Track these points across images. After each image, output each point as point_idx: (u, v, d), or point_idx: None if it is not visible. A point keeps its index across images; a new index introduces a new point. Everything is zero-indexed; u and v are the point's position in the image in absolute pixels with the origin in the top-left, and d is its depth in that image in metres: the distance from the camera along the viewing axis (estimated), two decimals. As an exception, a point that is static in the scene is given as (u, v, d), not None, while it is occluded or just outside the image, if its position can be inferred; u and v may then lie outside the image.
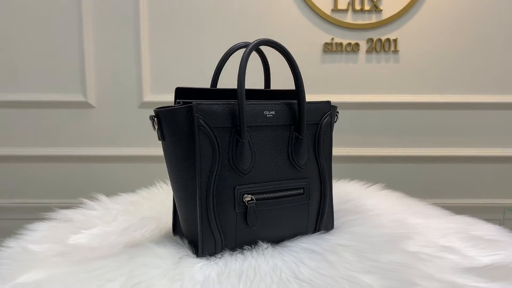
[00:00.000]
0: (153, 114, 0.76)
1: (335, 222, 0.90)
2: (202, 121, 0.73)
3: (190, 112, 0.74)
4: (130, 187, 1.17)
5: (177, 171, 0.76)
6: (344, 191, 1.10)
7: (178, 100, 0.79)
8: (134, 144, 1.69)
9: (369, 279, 0.67)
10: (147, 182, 1.21)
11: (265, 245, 0.79)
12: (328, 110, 0.87)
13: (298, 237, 0.83)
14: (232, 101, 0.77)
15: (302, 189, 0.83)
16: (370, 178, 1.25)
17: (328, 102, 0.87)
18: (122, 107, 1.67)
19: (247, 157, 0.76)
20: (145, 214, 0.95)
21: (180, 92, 0.81)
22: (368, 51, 1.73)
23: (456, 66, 1.74)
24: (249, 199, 0.77)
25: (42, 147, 1.70)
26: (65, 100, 1.67)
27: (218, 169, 0.75)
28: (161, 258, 0.71)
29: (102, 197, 1.03)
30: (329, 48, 1.72)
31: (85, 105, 1.67)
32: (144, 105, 1.67)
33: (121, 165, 1.70)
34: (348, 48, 1.72)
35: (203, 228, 0.74)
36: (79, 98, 1.67)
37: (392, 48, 1.73)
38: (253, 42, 0.78)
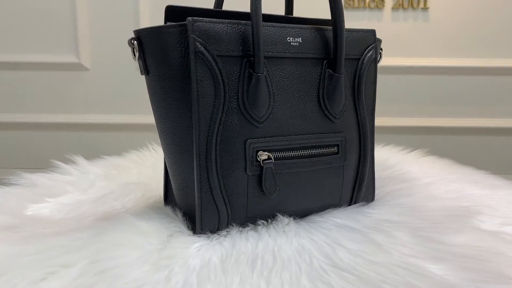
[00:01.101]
0: (133, 36, 0.55)
1: (376, 192, 0.69)
2: (200, 46, 0.52)
3: (184, 32, 0.52)
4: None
5: (167, 118, 0.56)
6: (380, 157, 0.89)
7: (168, 23, 0.58)
8: (134, 111, 1.48)
9: (439, 269, 0.46)
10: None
11: (286, 220, 0.58)
12: (372, 42, 0.65)
13: (329, 210, 0.63)
14: (243, 21, 0.55)
15: (336, 147, 0.62)
16: (406, 144, 1.04)
17: (373, 31, 0.65)
18: (119, 70, 1.46)
19: (264, 99, 0.55)
20: (131, 179, 0.75)
21: (173, 13, 0.59)
22: (394, 7, 1.54)
23: (495, 25, 1.51)
24: (266, 157, 0.56)
25: (31, 113, 1.51)
26: (56, 62, 1.46)
27: (223, 115, 0.54)
28: (143, 235, 0.51)
29: (80, 160, 0.82)
30: (350, 4, 1.54)
31: (78, 67, 1.47)
32: None
33: (119, 134, 1.50)
34: (372, 4, 1.54)
35: (202, 196, 0.54)
36: (71, 59, 1.47)
37: (422, 5, 1.53)
38: None
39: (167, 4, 0.59)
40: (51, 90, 1.51)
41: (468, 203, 0.65)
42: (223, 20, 0.54)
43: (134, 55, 0.55)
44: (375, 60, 0.65)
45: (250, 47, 0.54)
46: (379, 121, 1.31)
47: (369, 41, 0.64)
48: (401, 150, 0.97)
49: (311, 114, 0.60)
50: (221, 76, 0.53)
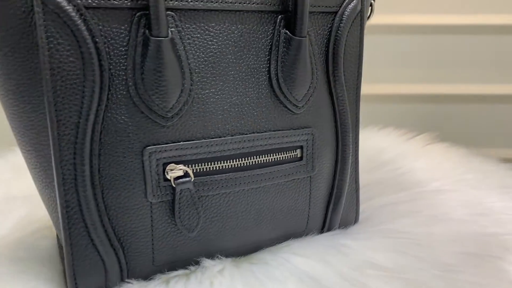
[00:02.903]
0: None
1: (362, 208, 0.48)
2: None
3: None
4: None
5: (15, 112, 0.34)
6: (376, 147, 0.67)
7: None
8: None
9: None
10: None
11: (218, 266, 0.38)
12: (356, -13, 0.42)
13: (290, 241, 0.42)
14: None
15: (298, 150, 0.41)
16: (409, 125, 0.82)
17: (357, -30, 0.42)
18: None
19: (172, 81, 0.33)
20: (12, 191, 0.54)
21: None
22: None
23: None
24: (180, 174, 0.35)
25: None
26: None
27: (101, 108, 0.32)
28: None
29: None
30: None
31: None
32: None
33: None
34: None
35: (72, 238, 0.33)
36: None
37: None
38: None
39: None
40: None
41: (497, 227, 0.45)
42: None
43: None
44: (361, 14, 0.42)
45: (144, -9, 0.32)
46: (372, 88, 1.04)
47: (351, -15, 0.42)
48: (402, 135, 0.75)
49: (258, 100, 0.38)
50: (95, 44, 0.31)
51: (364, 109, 0.48)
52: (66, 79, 0.31)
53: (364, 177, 0.54)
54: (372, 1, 0.47)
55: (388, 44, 0.97)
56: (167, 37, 0.32)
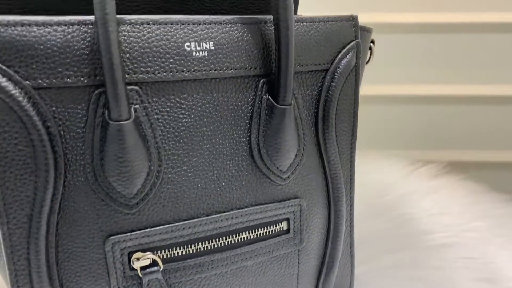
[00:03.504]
0: None
1: (359, 270, 0.44)
2: (-5, 73, 0.26)
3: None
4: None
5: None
6: (377, 185, 0.63)
7: None
8: None
9: None
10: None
11: None
12: (351, 38, 0.37)
13: (276, 317, 0.39)
14: (91, 18, 0.29)
15: (284, 223, 0.37)
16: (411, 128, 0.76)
17: (353, 18, 0.38)
18: None
19: (137, 165, 0.30)
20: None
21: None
22: None
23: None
24: (148, 262, 0.32)
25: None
26: None
27: (57, 198, 0.29)
28: None
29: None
30: None
31: None
32: None
33: None
34: None
35: None
36: None
37: None
38: None
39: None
40: None
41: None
42: (49, 19, 0.28)
43: None
44: (356, 69, 0.38)
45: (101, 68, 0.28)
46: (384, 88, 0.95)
47: (346, 36, 0.37)
48: (406, 167, 0.70)
49: (238, 174, 0.34)
50: (47, 129, 0.28)
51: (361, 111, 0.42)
52: (16, 169, 0.28)
53: (362, 229, 0.50)
54: (371, 44, 0.43)
55: (386, 44, 0.89)
56: (129, 119, 0.29)
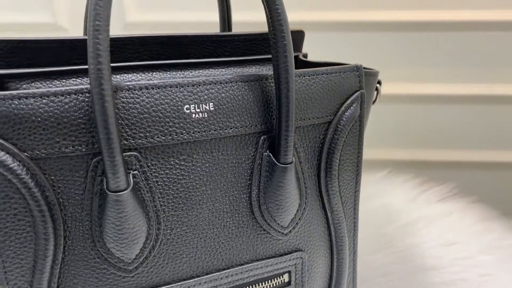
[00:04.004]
0: None
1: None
2: (-4, 149, 0.26)
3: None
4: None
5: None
6: (379, 212, 0.62)
7: None
8: None
9: None
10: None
11: None
12: (356, 88, 0.37)
13: None
14: (87, 87, 0.29)
15: (285, 275, 0.37)
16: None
17: (358, 68, 0.37)
18: None
19: (135, 231, 0.30)
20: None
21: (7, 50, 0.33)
22: None
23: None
24: (147, 323, 0.32)
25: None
26: (26, 22, 1.17)
27: (56, 264, 0.29)
28: None
29: None
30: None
31: (55, 27, 1.17)
32: (129, 27, 1.14)
33: None
34: None
35: None
36: (45, 18, 1.18)
37: None
38: None
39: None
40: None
41: None
42: (46, 91, 0.27)
43: None
44: (360, 119, 0.37)
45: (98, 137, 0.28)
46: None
47: (350, 87, 0.36)
48: (412, 189, 0.69)
49: (238, 230, 0.34)
50: (46, 199, 0.28)
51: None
52: (15, 238, 0.28)
53: (367, 264, 0.50)
54: (378, 84, 0.42)
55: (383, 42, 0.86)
56: (127, 189, 0.28)
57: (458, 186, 0.71)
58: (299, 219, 0.36)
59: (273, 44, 0.31)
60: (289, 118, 0.32)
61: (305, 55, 0.45)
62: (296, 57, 0.43)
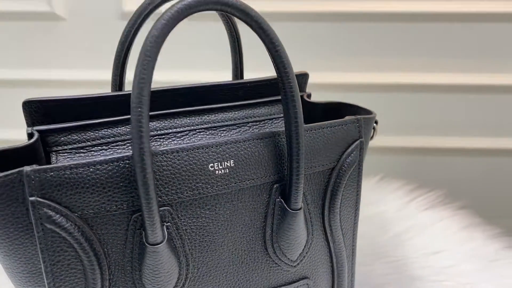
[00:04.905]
0: None
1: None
2: (54, 213, 0.31)
3: (20, 192, 0.31)
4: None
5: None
6: (377, 218, 0.68)
7: (31, 129, 0.37)
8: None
9: None
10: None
11: None
12: (356, 137, 0.42)
13: None
14: (127, 154, 0.33)
15: (294, 299, 0.42)
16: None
17: (357, 120, 0.42)
18: (102, 20, 1.14)
19: (169, 273, 0.35)
20: None
21: (37, 109, 0.38)
22: None
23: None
24: None
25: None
26: (23, 10, 1.17)
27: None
28: None
29: None
30: None
31: (52, 16, 1.17)
32: (126, 16, 1.13)
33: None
34: None
35: None
36: (42, 7, 1.17)
37: None
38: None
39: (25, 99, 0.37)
40: (19, 44, 1.22)
41: None
42: (92, 161, 0.32)
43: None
44: (359, 163, 0.42)
45: (139, 197, 0.33)
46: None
47: (351, 136, 0.41)
48: (402, 198, 0.75)
49: (254, 265, 0.39)
50: (94, 250, 0.33)
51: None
52: (69, 284, 0.33)
53: (363, 275, 0.56)
54: (374, 124, 0.47)
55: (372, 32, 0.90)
56: (163, 241, 0.33)
57: (446, 192, 0.77)
58: (306, 252, 0.41)
59: (285, 111, 0.36)
60: (300, 172, 0.36)
61: (309, 95, 0.49)
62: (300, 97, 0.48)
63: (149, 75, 0.30)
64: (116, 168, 0.33)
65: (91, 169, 0.32)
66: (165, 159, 0.34)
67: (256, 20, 0.33)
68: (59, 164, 0.31)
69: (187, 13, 0.32)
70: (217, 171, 0.36)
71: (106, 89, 0.54)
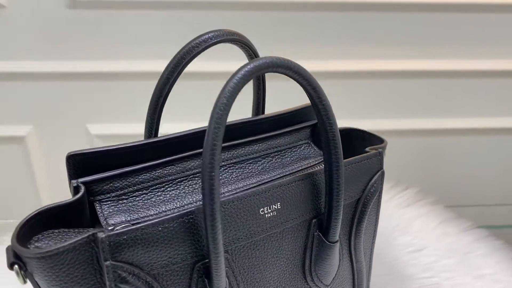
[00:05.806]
0: (12, 252, 0.33)
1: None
2: (127, 274, 0.32)
3: (89, 255, 0.32)
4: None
5: None
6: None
7: (76, 182, 0.37)
8: (63, 57, 1.06)
9: None
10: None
11: None
12: (378, 168, 0.46)
13: None
14: (190, 209, 0.35)
15: (324, 315, 0.47)
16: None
17: (379, 154, 0.46)
18: (46, 7, 1.04)
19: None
20: None
21: (80, 163, 0.37)
22: None
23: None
24: None
25: None
26: None
27: None
28: None
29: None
30: None
31: None
32: (78, 3, 1.03)
33: (47, 84, 1.09)
34: None
35: None
36: None
37: None
38: (255, 62, 0.33)
39: (69, 153, 0.37)
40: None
41: None
42: (161, 220, 0.33)
43: (23, 278, 0.34)
44: (379, 193, 0.47)
45: (203, 243, 0.35)
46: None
47: (374, 168, 0.45)
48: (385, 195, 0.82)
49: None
50: (162, 301, 0.34)
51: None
52: (138, 334, 0.34)
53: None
54: (383, 154, 0.51)
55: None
56: (223, 284, 0.36)
57: (421, 189, 0.85)
58: (337, 276, 0.45)
59: (327, 154, 0.39)
60: (339, 208, 0.40)
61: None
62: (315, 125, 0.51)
63: (219, 142, 0.32)
64: (182, 223, 0.34)
65: (159, 228, 0.33)
66: (222, 209, 0.36)
67: (308, 80, 0.35)
68: (132, 227, 0.32)
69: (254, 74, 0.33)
70: (266, 215, 0.38)
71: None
